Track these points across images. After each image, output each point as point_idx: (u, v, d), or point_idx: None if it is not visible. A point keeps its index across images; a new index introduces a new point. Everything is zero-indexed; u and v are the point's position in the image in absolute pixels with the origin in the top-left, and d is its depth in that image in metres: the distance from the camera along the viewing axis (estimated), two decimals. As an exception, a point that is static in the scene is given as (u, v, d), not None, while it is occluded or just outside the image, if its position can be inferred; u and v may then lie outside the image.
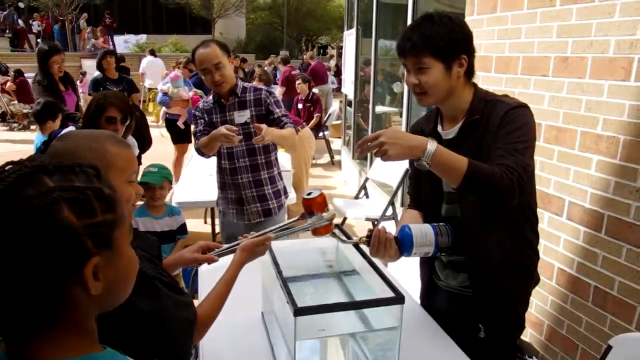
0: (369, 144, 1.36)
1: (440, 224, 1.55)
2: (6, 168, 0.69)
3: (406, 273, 2.04)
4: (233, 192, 2.71)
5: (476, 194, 1.42)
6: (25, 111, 9.87)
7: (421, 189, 1.72)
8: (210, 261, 1.48)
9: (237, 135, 2.37)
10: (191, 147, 5.06)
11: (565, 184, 2.38)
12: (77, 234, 0.67)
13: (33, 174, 0.68)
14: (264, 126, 2.36)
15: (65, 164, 0.72)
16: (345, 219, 4.18)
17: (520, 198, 1.38)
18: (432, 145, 1.34)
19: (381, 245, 1.52)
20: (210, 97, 2.68)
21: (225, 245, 1.50)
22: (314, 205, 1.44)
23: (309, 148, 4.65)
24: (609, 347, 1.54)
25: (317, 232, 1.46)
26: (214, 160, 2.77)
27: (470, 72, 1.53)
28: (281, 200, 2.80)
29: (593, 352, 2.26)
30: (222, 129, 2.36)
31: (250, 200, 2.69)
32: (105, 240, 0.71)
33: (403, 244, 1.51)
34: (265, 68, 11.12)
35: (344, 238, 1.53)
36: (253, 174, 2.65)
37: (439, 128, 1.62)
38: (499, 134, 1.44)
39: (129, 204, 1.12)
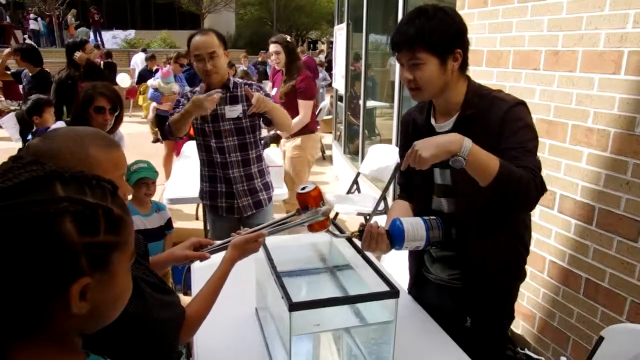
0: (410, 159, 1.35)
1: (432, 217, 1.55)
2: (19, 165, 0.67)
3: (397, 265, 2.05)
4: (224, 185, 2.71)
5: (503, 195, 1.36)
6: (12, 108, 9.74)
7: (412, 179, 1.72)
8: (202, 258, 1.45)
9: (220, 96, 2.39)
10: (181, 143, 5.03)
11: (557, 177, 2.39)
12: (74, 250, 0.64)
13: (47, 179, 0.66)
14: (255, 93, 2.36)
15: (84, 175, 0.70)
16: (337, 214, 4.18)
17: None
18: (468, 141, 1.30)
19: (373, 240, 1.51)
20: (197, 89, 2.65)
21: (218, 242, 1.47)
22: (309, 200, 1.39)
23: (314, 152, 4.61)
24: (601, 339, 1.55)
25: (312, 227, 1.42)
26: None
27: (464, 66, 1.52)
28: (270, 193, 2.84)
29: (584, 344, 2.28)
30: (200, 97, 2.36)
31: (242, 194, 2.71)
32: (102, 261, 0.68)
33: (394, 238, 1.51)
34: (242, 66, 11.09)
35: (337, 232, 1.52)
36: (244, 168, 2.67)
37: (432, 121, 1.61)
38: (505, 134, 1.42)
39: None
